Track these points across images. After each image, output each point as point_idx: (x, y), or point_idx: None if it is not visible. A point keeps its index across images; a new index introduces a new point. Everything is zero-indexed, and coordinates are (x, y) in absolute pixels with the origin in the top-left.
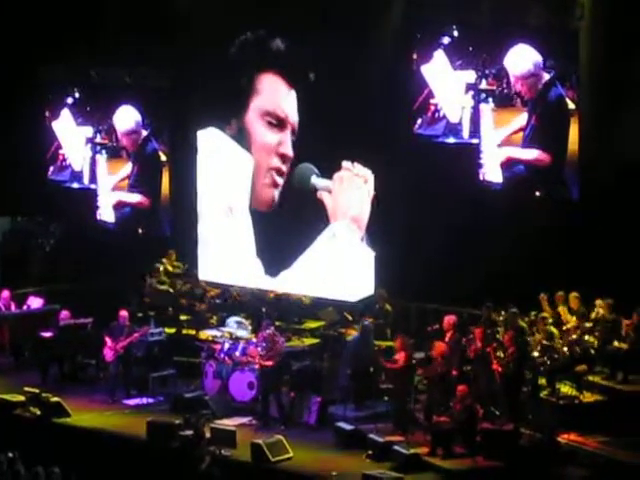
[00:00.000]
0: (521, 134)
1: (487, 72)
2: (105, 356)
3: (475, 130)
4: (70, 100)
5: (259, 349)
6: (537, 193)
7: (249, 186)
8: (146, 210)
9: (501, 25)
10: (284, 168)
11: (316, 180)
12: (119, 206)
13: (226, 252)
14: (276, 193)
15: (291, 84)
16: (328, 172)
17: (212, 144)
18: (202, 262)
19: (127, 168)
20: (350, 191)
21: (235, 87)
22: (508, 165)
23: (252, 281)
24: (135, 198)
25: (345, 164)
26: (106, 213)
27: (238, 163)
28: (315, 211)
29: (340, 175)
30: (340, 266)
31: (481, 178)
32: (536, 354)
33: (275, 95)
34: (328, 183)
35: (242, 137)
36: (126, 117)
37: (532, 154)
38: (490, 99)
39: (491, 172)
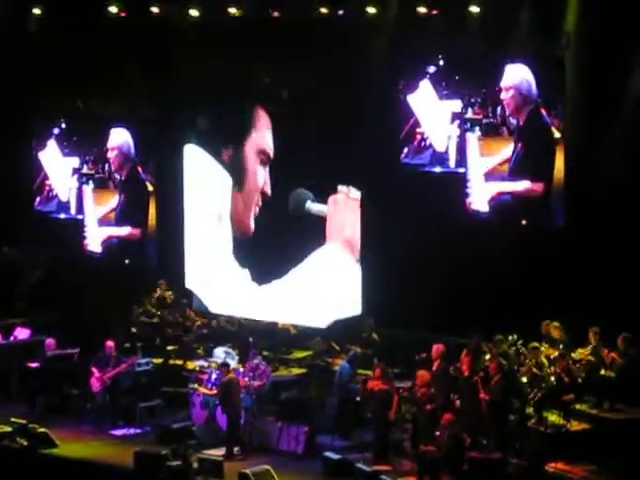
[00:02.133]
0: (507, 164)
1: (473, 101)
2: (92, 386)
3: (462, 159)
4: (56, 130)
5: (246, 379)
6: (523, 222)
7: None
8: (134, 241)
9: (488, 53)
10: (260, 203)
11: (311, 205)
12: (108, 239)
13: (212, 267)
14: (253, 224)
15: (271, 118)
16: (323, 196)
17: (196, 162)
18: (191, 288)
19: (114, 199)
20: (344, 214)
21: (238, 118)
22: (495, 196)
23: (240, 300)
24: (124, 231)
25: (341, 188)
26: (93, 244)
27: (221, 186)
28: (309, 232)
29: (335, 198)
30: (330, 286)
31: (468, 207)
32: (524, 380)
33: (266, 133)
34: (322, 208)
35: (236, 169)
36: (120, 135)
37: (523, 185)
38: (476, 128)
39: (478, 201)
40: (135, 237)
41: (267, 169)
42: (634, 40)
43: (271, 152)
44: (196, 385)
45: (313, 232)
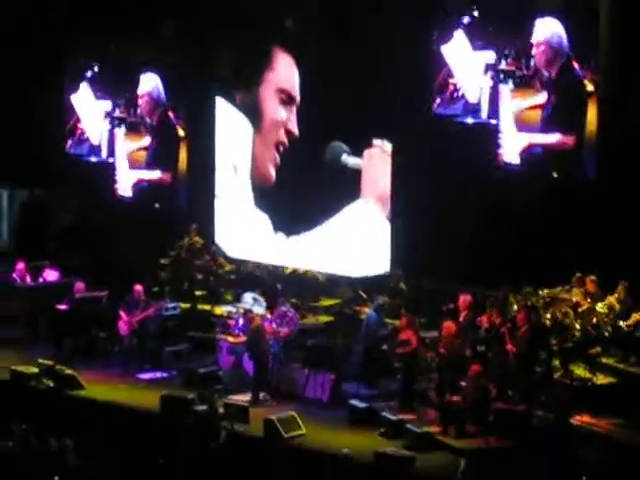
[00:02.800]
0: (539, 112)
1: (506, 53)
2: (120, 330)
3: (494, 111)
4: (89, 74)
5: (274, 325)
6: (554, 174)
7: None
8: (164, 185)
9: (522, 4)
10: (286, 144)
11: (347, 158)
12: (139, 183)
13: (241, 222)
14: (273, 171)
15: (298, 64)
16: (358, 150)
17: (221, 113)
18: (220, 236)
19: (145, 140)
20: (379, 168)
21: (251, 60)
22: (527, 148)
23: (269, 251)
24: (155, 175)
25: (376, 142)
26: (124, 188)
27: (242, 131)
28: (344, 185)
29: (370, 152)
30: (362, 239)
31: (499, 159)
32: (548, 324)
33: (289, 73)
34: (358, 161)
35: (252, 109)
36: (150, 81)
37: (555, 137)
38: (509, 80)
39: (509, 153)
40: (165, 182)
41: (292, 109)
42: None
43: (293, 91)
44: (224, 335)
45: (348, 185)
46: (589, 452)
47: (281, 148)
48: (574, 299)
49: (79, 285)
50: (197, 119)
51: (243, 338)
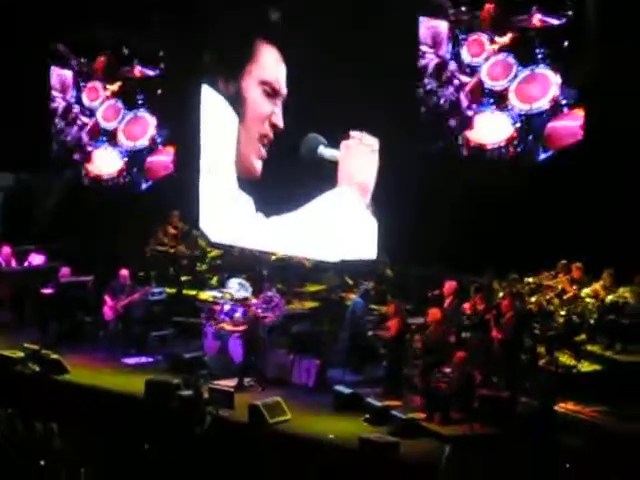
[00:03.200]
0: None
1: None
2: (105, 314)
3: None
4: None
5: (259, 311)
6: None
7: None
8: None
9: None
10: (271, 137)
11: (323, 150)
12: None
13: (224, 206)
14: (259, 164)
15: (284, 57)
16: (335, 142)
17: (208, 100)
18: (204, 221)
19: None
20: (356, 159)
21: (236, 50)
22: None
23: (254, 234)
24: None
25: (353, 133)
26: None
27: (228, 122)
28: (321, 176)
29: (347, 143)
30: (342, 225)
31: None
32: (533, 310)
33: (272, 66)
34: (335, 153)
35: (236, 100)
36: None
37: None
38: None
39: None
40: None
41: (277, 102)
42: None
43: (277, 84)
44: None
45: (325, 176)
46: (573, 439)
47: (266, 141)
48: (559, 286)
49: (64, 270)
50: (181, 111)
51: (242, 327)
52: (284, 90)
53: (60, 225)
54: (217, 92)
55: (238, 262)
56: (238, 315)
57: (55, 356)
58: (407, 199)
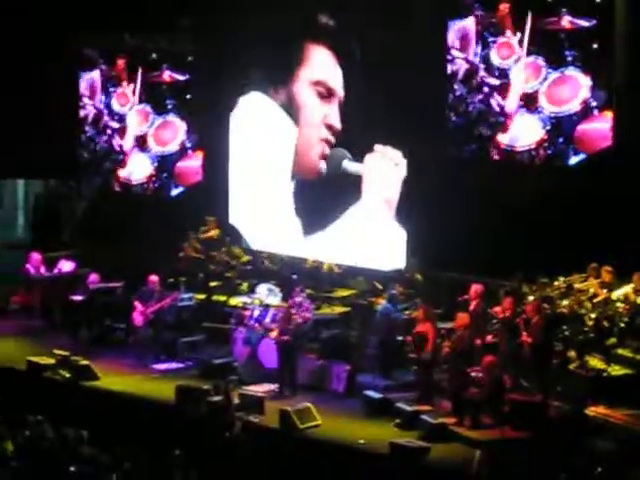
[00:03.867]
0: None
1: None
2: (134, 320)
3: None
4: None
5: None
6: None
7: (292, 153)
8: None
9: None
10: (332, 140)
11: (348, 164)
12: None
13: (262, 214)
14: (323, 164)
15: (339, 59)
16: (360, 156)
17: (256, 108)
18: (237, 227)
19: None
20: (380, 172)
21: (284, 56)
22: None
23: (286, 244)
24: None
25: (377, 147)
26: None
27: (282, 129)
28: (347, 191)
29: (372, 156)
30: (371, 237)
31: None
32: (564, 312)
33: (324, 66)
34: (359, 167)
35: (290, 106)
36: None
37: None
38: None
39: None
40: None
41: (333, 102)
42: None
43: (331, 83)
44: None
45: (350, 191)
46: (605, 443)
47: (325, 143)
48: (590, 289)
49: (93, 276)
50: (212, 117)
51: (286, 337)
52: (340, 91)
53: (90, 231)
54: (268, 98)
55: (267, 268)
56: (268, 320)
57: (85, 362)
58: (436, 204)
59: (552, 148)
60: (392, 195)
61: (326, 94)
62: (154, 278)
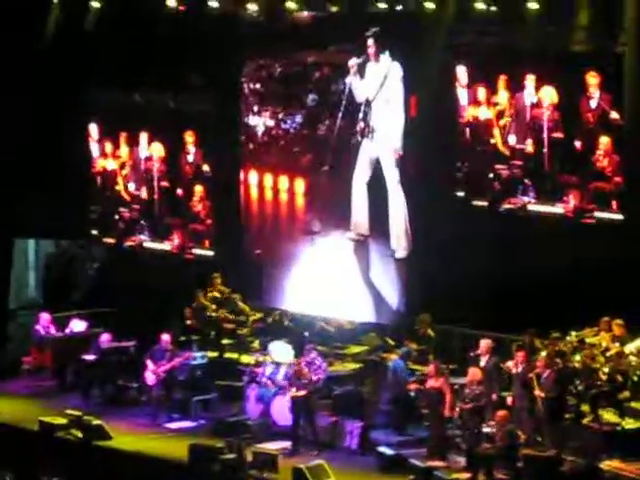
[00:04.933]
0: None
1: None
2: (146, 380)
3: None
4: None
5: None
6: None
7: None
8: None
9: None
10: None
11: None
12: None
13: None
14: None
15: None
16: None
17: None
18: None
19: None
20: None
21: None
22: None
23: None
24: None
25: None
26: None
27: None
28: None
29: None
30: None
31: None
32: (576, 367)
33: None
34: None
35: None
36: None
37: None
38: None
39: None
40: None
41: None
42: None
43: None
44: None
45: None
46: None
47: None
48: (603, 343)
49: (105, 336)
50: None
51: (303, 392)
52: None
53: (101, 291)
54: None
55: (279, 325)
56: (280, 378)
57: (98, 422)
58: (446, 256)
59: None
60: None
61: None
62: (166, 337)
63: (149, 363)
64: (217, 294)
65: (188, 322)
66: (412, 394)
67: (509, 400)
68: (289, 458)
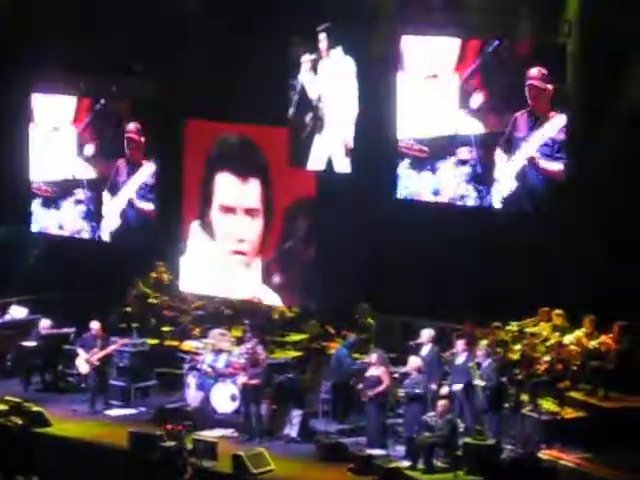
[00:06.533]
0: None
1: None
2: (79, 368)
3: None
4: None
5: (242, 361)
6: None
7: None
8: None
9: None
10: None
11: None
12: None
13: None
14: None
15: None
16: None
17: None
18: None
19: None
20: None
21: None
22: None
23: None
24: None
25: None
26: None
27: None
28: None
29: None
30: None
31: None
32: (515, 358)
33: None
34: None
35: None
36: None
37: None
38: None
39: None
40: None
41: None
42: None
43: None
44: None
45: None
46: None
47: None
48: (543, 333)
49: (45, 322)
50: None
51: (255, 381)
52: None
53: (41, 277)
54: None
55: (220, 313)
56: (221, 365)
57: (37, 408)
58: (388, 246)
59: None
60: None
61: None
62: (96, 325)
63: (81, 351)
64: (159, 281)
65: (128, 309)
66: (352, 382)
67: (448, 389)
68: (238, 445)
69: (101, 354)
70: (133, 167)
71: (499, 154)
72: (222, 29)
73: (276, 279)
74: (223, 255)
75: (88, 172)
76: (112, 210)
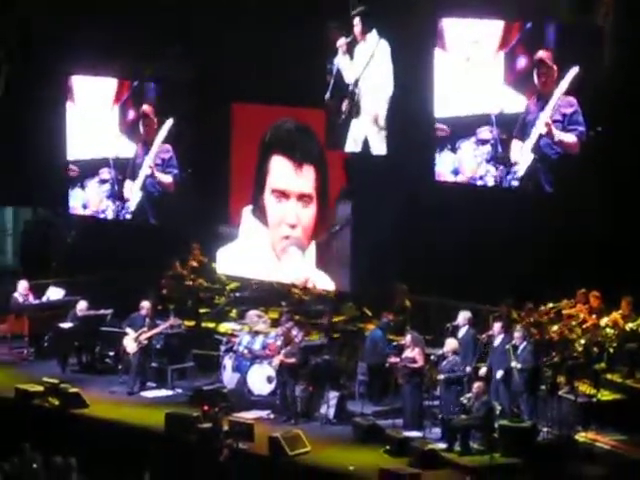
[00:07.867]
0: None
1: None
2: (126, 348)
3: None
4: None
5: (278, 343)
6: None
7: None
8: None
9: None
10: None
11: None
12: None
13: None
14: None
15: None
16: None
17: None
18: (222, 256)
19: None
20: None
21: None
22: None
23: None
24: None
25: None
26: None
27: None
28: None
29: None
30: None
31: None
32: (554, 339)
33: None
34: None
35: None
36: None
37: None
38: None
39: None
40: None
41: None
42: None
43: None
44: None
45: None
46: (594, 469)
47: None
48: (580, 315)
49: (82, 303)
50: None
51: (293, 359)
52: None
53: (79, 259)
54: None
55: (256, 294)
56: (257, 347)
57: (74, 390)
58: (425, 227)
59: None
60: None
61: None
62: (146, 304)
63: (129, 330)
64: (195, 263)
65: (164, 291)
66: (391, 361)
67: (486, 371)
68: (274, 427)
69: (150, 333)
70: (148, 148)
71: (515, 143)
72: (256, 13)
73: (329, 263)
74: (276, 241)
75: (130, 150)
76: (134, 191)
